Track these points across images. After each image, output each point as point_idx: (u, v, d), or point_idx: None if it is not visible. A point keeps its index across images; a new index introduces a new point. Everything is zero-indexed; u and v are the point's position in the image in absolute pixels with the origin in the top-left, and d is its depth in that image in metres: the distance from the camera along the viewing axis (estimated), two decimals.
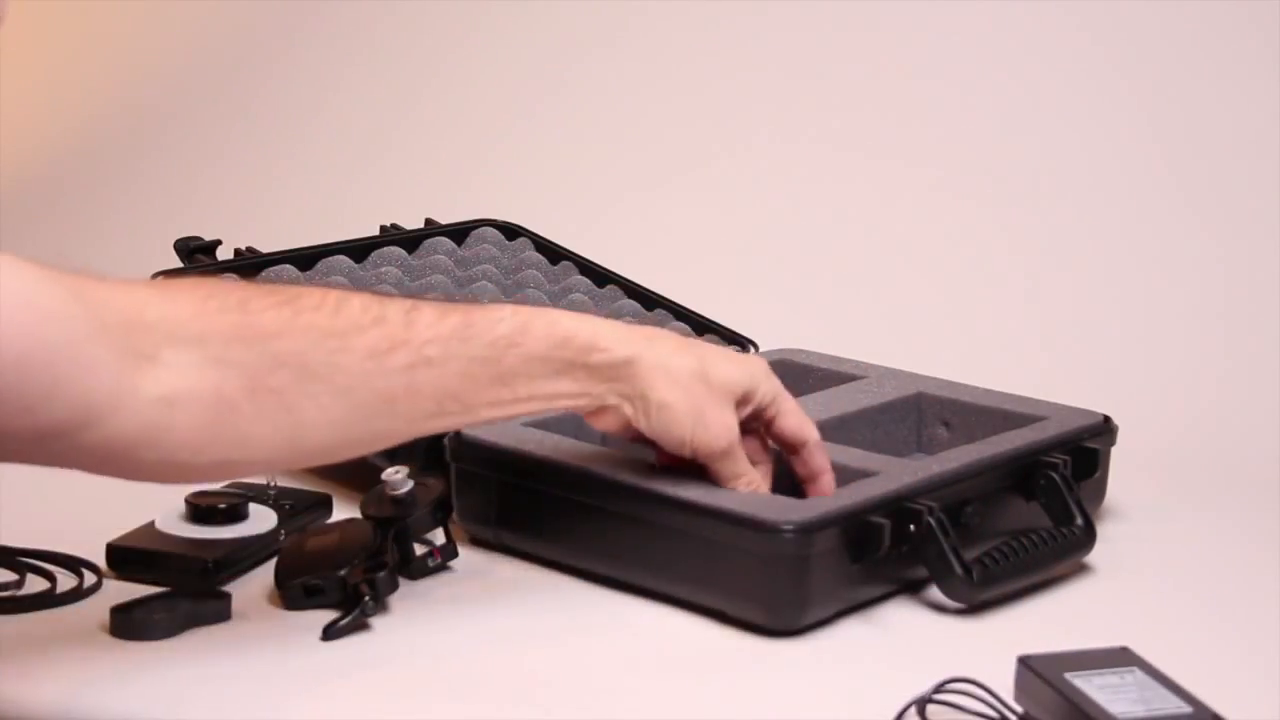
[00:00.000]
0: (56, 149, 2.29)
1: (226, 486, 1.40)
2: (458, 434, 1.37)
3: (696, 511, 1.24)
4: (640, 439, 1.27)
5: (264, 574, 1.29)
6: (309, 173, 2.18)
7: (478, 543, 1.37)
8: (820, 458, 1.29)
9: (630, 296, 1.70)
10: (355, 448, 1.17)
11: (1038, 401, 1.45)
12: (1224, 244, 1.85)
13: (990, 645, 1.19)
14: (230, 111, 2.27)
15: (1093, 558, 1.35)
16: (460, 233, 1.75)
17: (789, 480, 1.29)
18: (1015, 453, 1.36)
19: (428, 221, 1.76)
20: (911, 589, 1.30)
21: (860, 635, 1.24)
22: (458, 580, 1.32)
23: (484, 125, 2.17)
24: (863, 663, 1.20)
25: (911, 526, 1.26)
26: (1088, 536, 1.33)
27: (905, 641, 1.24)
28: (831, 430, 1.41)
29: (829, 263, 1.93)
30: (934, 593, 1.28)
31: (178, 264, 1.66)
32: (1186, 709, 1.04)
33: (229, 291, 1.11)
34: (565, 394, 1.22)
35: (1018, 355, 1.77)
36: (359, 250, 1.69)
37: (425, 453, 1.39)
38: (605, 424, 1.26)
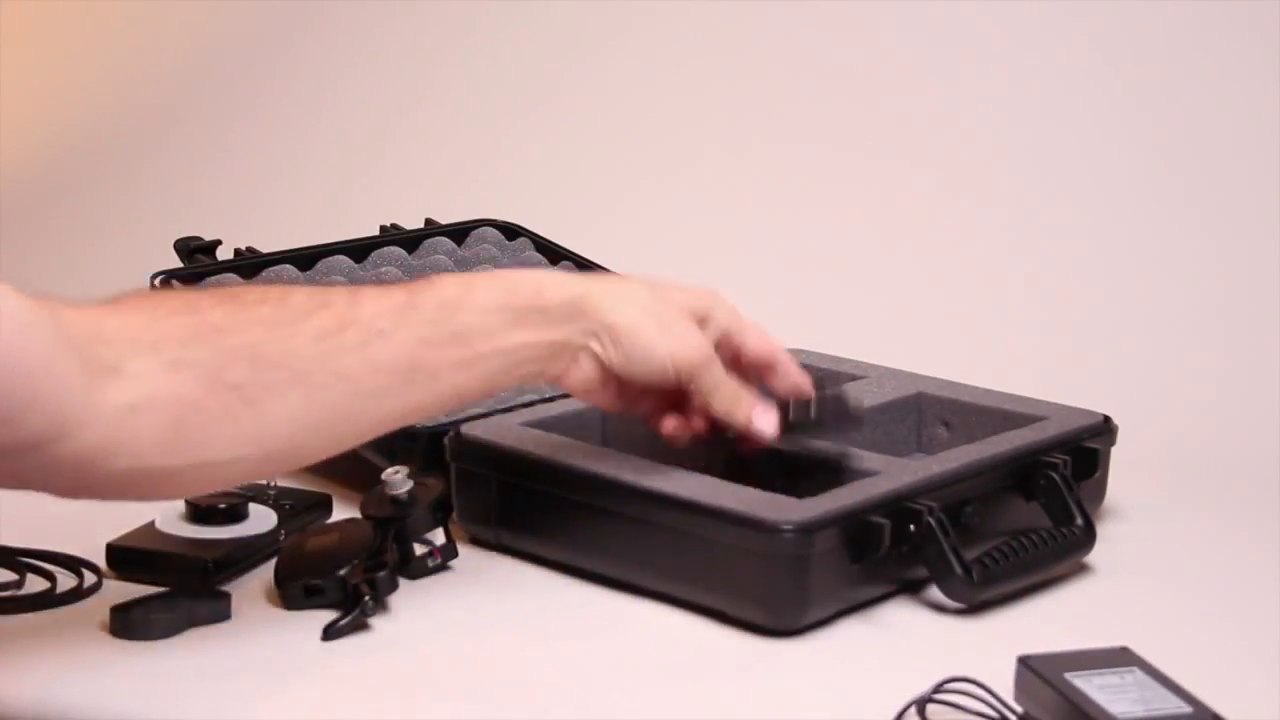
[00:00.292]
0: (56, 149, 2.29)
1: None
2: (458, 434, 1.37)
3: (696, 511, 1.24)
4: (621, 398, 1.27)
5: (264, 574, 1.29)
6: (309, 173, 2.18)
7: (478, 543, 1.37)
8: (796, 372, 1.31)
9: None
10: (327, 438, 1.16)
11: (1038, 401, 1.45)
12: (1224, 244, 1.85)
13: (990, 645, 1.19)
14: (230, 112, 2.27)
15: (1093, 558, 1.35)
16: (460, 233, 1.75)
17: (789, 480, 1.29)
18: (1015, 453, 1.36)
19: (428, 221, 1.76)
20: (911, 589, 1.30)
21: (860, 635, 1.24)
22: (458, 580, 1.32)
23: (484, 125, 2.17)
24: (863, 663, 1.20)
25: (911, 526, 1.26)
26: (1088, 536, 1.33)
27: (905, 641, 1.24)
28: None
29: (829, 263, 1.93)
30: (934, 593, 1.27)
31: (178, 264, 1.66)
32: (1186, 709, 1.04)
33: (176, 297, 1.14)
34: (528, 344, 1.21)
35: (1018, 355, 1.77)
36: (359, 250, 1.69)
37: (425, 453, 1.40)
38: (580, 377, 1.24)
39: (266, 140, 2.23)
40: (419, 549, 1.31)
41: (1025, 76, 1.99)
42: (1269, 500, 1.51)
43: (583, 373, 1.24)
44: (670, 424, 1.29)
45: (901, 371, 1.53)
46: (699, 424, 1.29)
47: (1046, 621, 1.27)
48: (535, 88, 2.17)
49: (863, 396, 1.46)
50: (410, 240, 1.72)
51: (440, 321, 1.18)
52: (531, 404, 1.47)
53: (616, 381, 1.26)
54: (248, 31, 2.31)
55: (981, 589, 1.26)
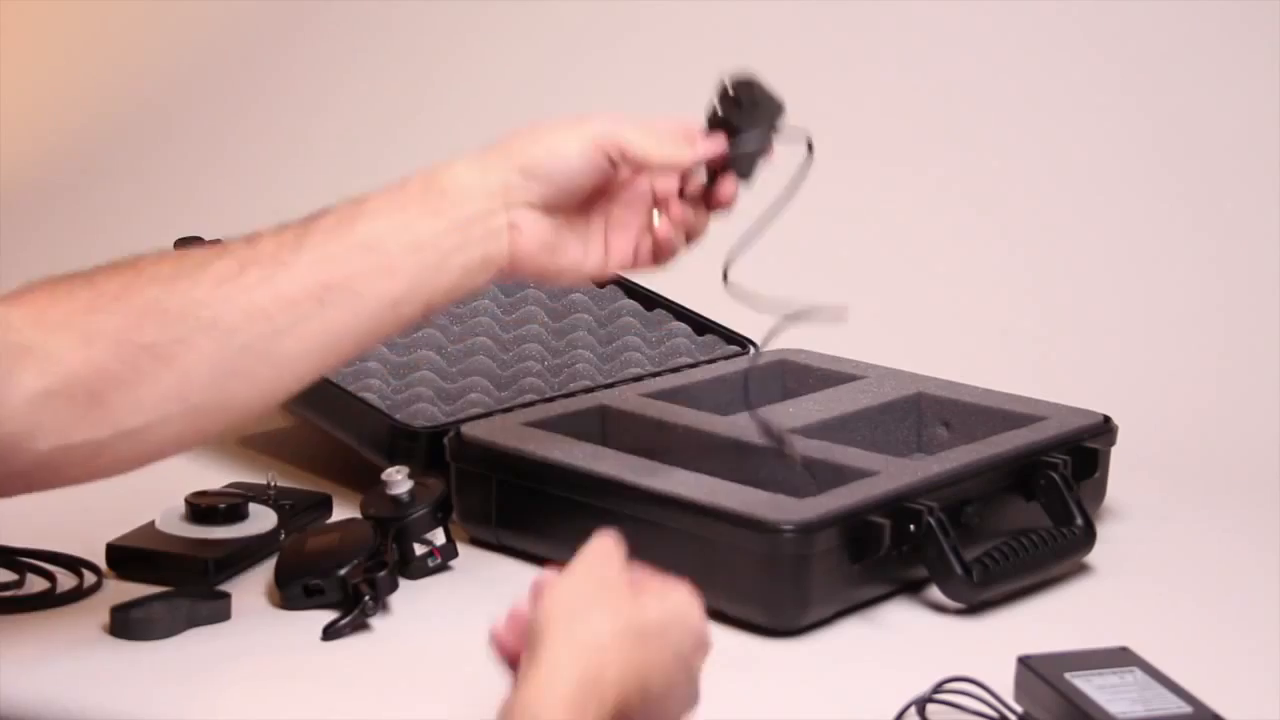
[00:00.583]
0: (56, 149, 2.29)
1: (226, 486, 1.40)
2: (458, 434, 1.37)
3: (696, 511, 1.24)
4: (585, 243, 1.20)
5: (264, 574, 1.29)
6: (309, 173, 2.18)
7: (478, 543, 1.37)
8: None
9: (630, 296, 1.70)
10: (254, 382, 1.13)
11: (1038, 401, 1.45)
12: (1224, 244, 1.86)
13: (990, 645, 1.19)
14: (230, 111, 2.27)
15: (1093, 558, 1.35)
16: None
17: (789, 480, 1.29)
18: (1015, 453, 1.36)
19: None
20: (911, 589, 1.30)
21: (860, 635, 1.24)
22: (458, 580, 1.32)
23: (484, 125, 2.16)
24: (863, 663, 1.20)
25: (911, 526, 1.26)
26: (1088, 536, 1.33)
27: (905, 641, 1.24)
28: (832, 430, 1.41)
29: (829, 263, 1.93)
30: (934, 593, 1.28)
31: None
32: (1186, 709, 1.04)
33: (75, 276, 1.13)
34: (444, 231, 1.15)
35: (1018, 355, 1.77)
36: None
37: (425, 453, 1.40)
38: (531, 238, 1.17)
39: (266, 140, 2.23)
40: (419, 549, 1.32)
41: (1026, 77, 1.99)
42: (1269, 500, 1.51)
43: (531, 232, 1.17)
44: (662, 232, 1.22)
45: (901, 371, 1.53)
46: (676, 209, 1.22)
47: (1046, 621, 1.27)
48: (535, 88, 2.17)
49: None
50: None
51: (340, 235, 1.14)
52: (531, 404, 1.47)
53: (569, 222, 1.19)
54: (248, 31, 2.31)
55: (981, 589, 1.26)
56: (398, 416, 1.45)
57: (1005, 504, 1.34)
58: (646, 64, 2.13)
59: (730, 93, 1.23)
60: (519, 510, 1.34)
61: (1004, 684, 1.10)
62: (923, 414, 1.49)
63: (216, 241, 1.19)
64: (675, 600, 0.98)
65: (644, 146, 1.19)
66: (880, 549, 1.24)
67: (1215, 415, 1.68)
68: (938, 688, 1.10)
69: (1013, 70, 1.99)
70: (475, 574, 1.33)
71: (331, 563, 1.25)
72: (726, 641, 1.22)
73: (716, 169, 1.23)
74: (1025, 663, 1.09)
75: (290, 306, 1.12)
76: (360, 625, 1.22)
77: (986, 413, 1.45)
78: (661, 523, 1.25)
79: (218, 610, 1.23)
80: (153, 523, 1.33)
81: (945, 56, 2.02)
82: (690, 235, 1.24)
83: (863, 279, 1.92)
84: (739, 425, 1.37)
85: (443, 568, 1.32)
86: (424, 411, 1.47)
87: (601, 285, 1.71)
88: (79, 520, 1.32)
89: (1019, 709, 1.09)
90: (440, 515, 1.32)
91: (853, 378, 1.52)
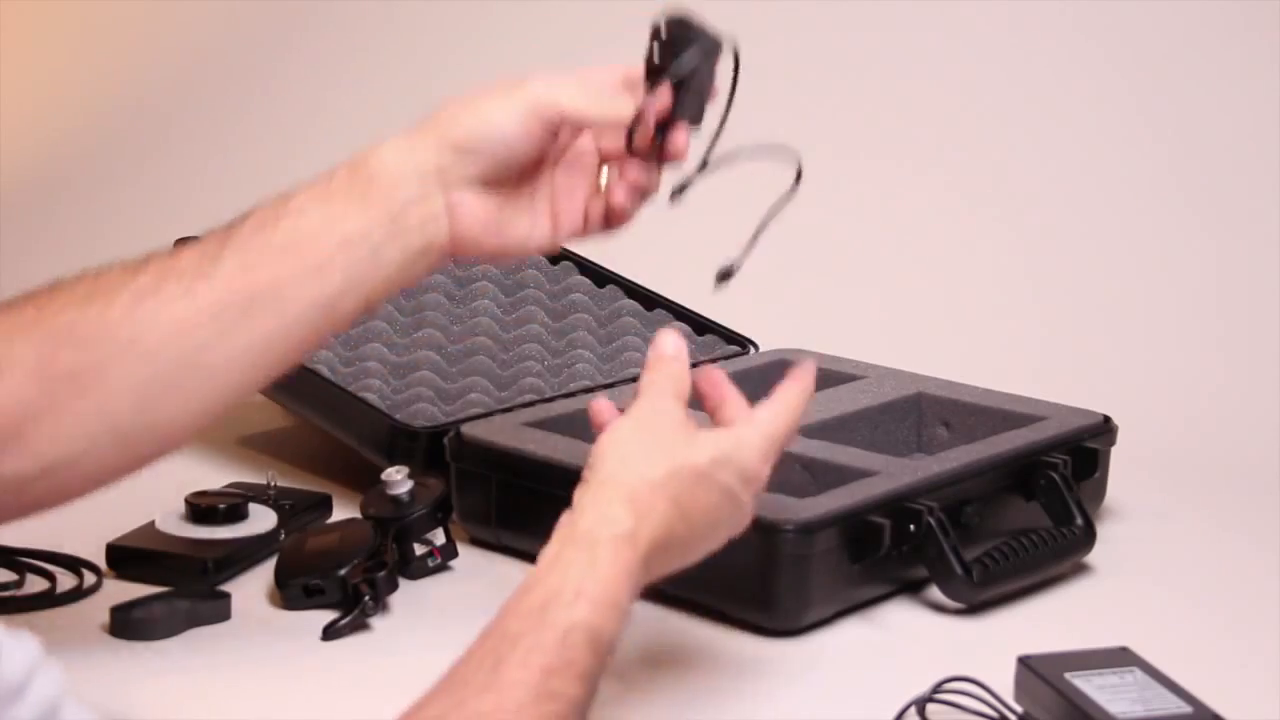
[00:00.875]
0: (56, 149, 2.29)
1: (226, 486, 1.40)
2: (458, 433, 1.37)
3: None
4: (528, 218, 1.14)
5: (264, 574, 1.29)
6: (309, 173, 2.17)
7: (478, 543, 1.37)
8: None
9: (630, 296, 1.70)
10: (185, 400, 1.07)
11: (1038, 401, 1.45)
12: (1223, 244, 1.86)
13: (990, 645, 1.19)
14: (230, 111, 2.27)
15: (1093, 558, 1.35)
16: None
17: (789, 480, 1.29)
18: (1015, 453, 1.36)
19: None
20: (911, 589, 1.30)
21: (860, 635, 1.24)
22: (458, 580, 1.32)
23: None
24: (863, 663, 1.20)
25: (911, 526, 1.26)
26: (1088, 536, 1.33)
27: (905, 641, 1.24)
28: (831, 430, 1.41)
29: (829, 263, 1.93)
30: (934, 593, 1.28)
31: None
32: (1186, 709, 1.04)
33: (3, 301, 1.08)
34: (374, 222, 1.09)
35: (1018, 355, 1.77)
36: None
37: (425, 453, 1.40)
38: (470, 218, 1.11)
39: (266, 140, 2.23)
40: (419, 549, 1.32)
41: (1026, 77, 1.99)
42: (1269, 500, 1.51)
43: (471, 212, 1.11)
44: (613, 194, 1.16)
45: (901, 371, 1.53)
46: (625, 168, 1.16)
47: (1046, 621, 1.27)
48: None
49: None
50: None
51: (262, 238, 1.08)
52: (531, 404, 1.47)
53: (512, 195, 1.13)
54: (247, 31, 2.31)
55: (981, 589, 1.26)
56: (398, 416, 1.45)
57: (1005, 504, 1.34)
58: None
59: (664, 35, 1.14)
60: (519, 510, 1.34)
61: (1004, 684, 1.10)
62: (923, 414, 1.49)
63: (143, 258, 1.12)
64: (730, 440, 1.06)
65: (582, 106, 1.12)
66: (880, 549, 1.24)
67: (1215, 415, 1.68)
68: (938, 688, 1.10)
69: (1013, 70, 1.99)
70: (475, 574, 1.33)
71: (331, 563, 1.25)
72: (727, 641, 1.22)
73: (663, 119, 1.15)
74: (1025, 663, 1.09)
75: (212, 319, 1.06)
76: (360, 625, 1.22)
77: (986, 413, 1.45)
78: None
79: (218, 610, 1.23)
80: (152, 523, 1.33)
81: (946, 56, 2.02)
82: (643, 194, 1.18)
83: (863, 279, 1.92)
84: None
85: (443, 568, 1.32)
86: (424, 411, 1.47)
87: (601, 286, 1.71)
88: (79, 520, 1.32)
89: (1019, 709, 1.09)
90: (440, 515, 1.32)
91: (853, 378, 1.52)
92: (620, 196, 1.16)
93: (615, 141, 1.15)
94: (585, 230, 1.17)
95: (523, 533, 1.35)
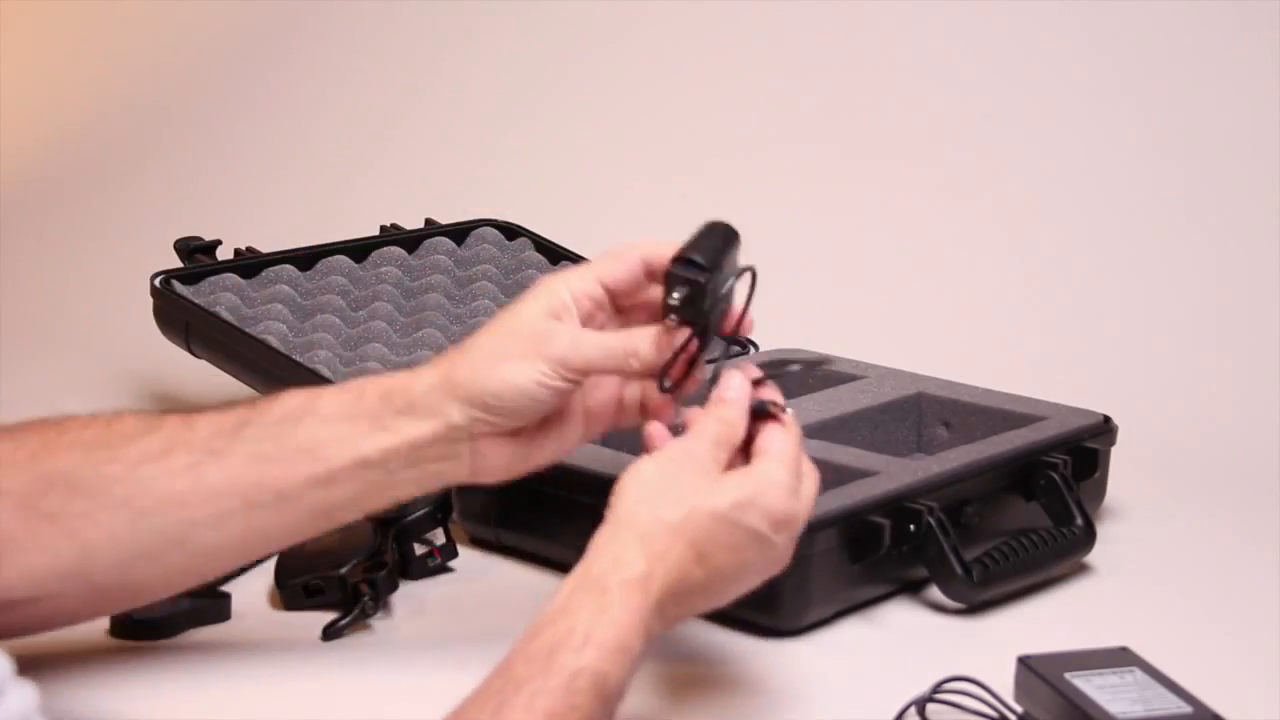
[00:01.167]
0: (56, 149, 2.29)
1: None
2: None
3: None
4: (559, 439, 1.13)
5: (264, 574, 1.29)
6: (309, 173, 2.18)
7: (478, 543, 1.37)
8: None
9: None
10: (165, 569, 1.07)
11: (1038, 401, 1.45)
12: (1223, 244, 1.86)
13: (990, 645, 1.19)
14: (230, 111, 2.27)
15: (1093, 558, 1.35)
16: (460, 233, 1.75)
17: None
18: (1015, 453, 1.36)
19: (428, 221, 1.76)
20: (911, 589, 1.30)
21: (860, 635, 1.24)
22: (458, 580, 1.32)
23: (484, 125, 2.17)
24: (863, 663, 1.20)
25: (911, 526, 1.26)
26: (1088, 536, 1.33)
27: (905, 641, 1.24)
28: (831, 430, 1.41)
29: (829, 263, 1.93)
30: (934, 593, 1.28)
31: (178, 264, 1.66)
32: (1186, 709, 1.04)
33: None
34: (393, 449, 1.08)
35: (1018, 355, 1.77)
36: (359, 250, 1.69)
37: None
38: (493, 463, 1.11)
39: (266, 140, 2.23)
40: (419, 549, 1.32)
41: (1026, 77, 1.99)
42: (1269, 500, 1.51)
43: (495, 457, 1.11)
44: (652, 432, 1.11)
45: (901, 371, 1.53)
46: (659, 401, 1.12)
47: (1046, 621, 1.27)
48: (535, 88, 2.17)
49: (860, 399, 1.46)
50: (410, 240, 1.72)
51: (282, 435, 1.07)
52: None
53: (537, 431, 1.11)
54: (247, 31, 2.31)
55: (981, 589, 1.26)
56: None
57: (1005, 504, 1.34)
58: (647, 64, 2.13)
59: (683, 284, 1.09)
60: (519, 510, 1.34)
61: (1004, 684, 1.10)
62: (923, 414, 1.49)
63: (162, 413, 1.10)
64: (753, 482, 1.03)
65: (608, 363, 1.09)
66: (880, 549, 1.24)
67: (1215, 415, 1.68)
68: (938, 688, 1.10)
69: (1013, 70, 1.99)
70: (475, 574, 1.33)
71: (331, 563, 1.25)
72: (726, 642, 1.22)
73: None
74: (1025, 663, 1.09)
75: (213, 500, 1.06)
76: (360, 625, 1.22)
77: (986, 413, 1.45)
78: None
79: (218, 610, 1.23)
80: None
81: (946, 56, 2.02)
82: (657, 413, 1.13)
83: (863, 279, 1.92)
84: None
85: (443, 568, 1.32)
86: None
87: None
88: None
89: (1019, 709, 1.09)
90: (440, 515, 1.32)
91: (853, 378, 1.52)
92: (657, 443, 1.10)
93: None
94: (621, 422, 1.16)
95: (523, 533, 1.35)
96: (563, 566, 1.31)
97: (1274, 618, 1.29)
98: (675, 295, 1.08)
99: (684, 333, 1.09)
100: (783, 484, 1.04)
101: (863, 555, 1.24)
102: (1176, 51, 1.94)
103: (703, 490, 1.02)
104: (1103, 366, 1.76)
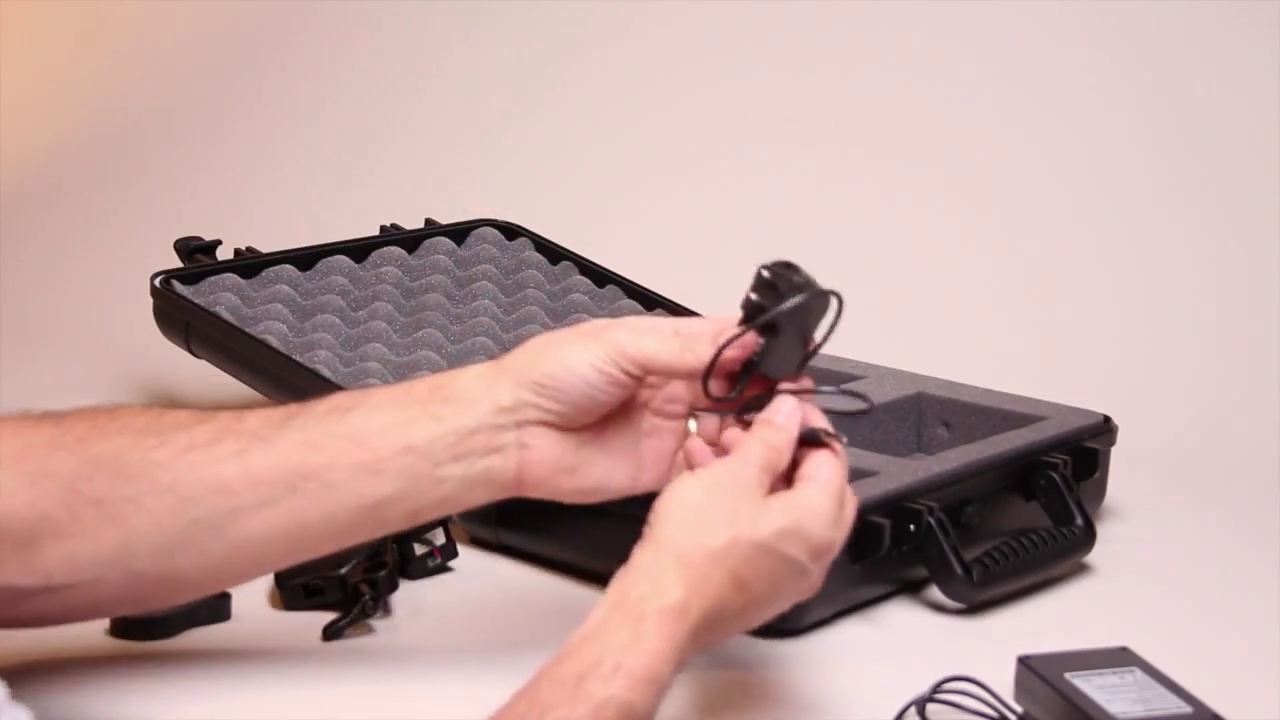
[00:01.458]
0: (56, 149, 2.29)
1: None
2: None
3: None
4: (613, 461, 1.11)
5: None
6: (309, 173, 2.18)
7: (478, 543, 1.37)
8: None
9: (630, 296, 1.70)
10: (204, 558, 1.06)
11: (1038, 401, 1.45)
12: (1224, 244, 1.86)
13: (990, 645, 1.19)
14: (229, 112, 2.27)
15: (1093, 558, 1.35)
16: (460, 233, 1.75)
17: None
18: (1015, 453, 1.36)
19: (428, 221, 1.76)
20: (911, 589, 1.30)
21: (860, 635, 1.24)
22: (458, 580, 1.32)
23: (484, 125, 2.17)
24: (863, 663, 1.20)
25: (911, 526, 1.26)
26: (1088, 536, 1.33)
27: (905, 641, 1.24)
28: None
29: (829, 263, 1.92)
30: (934, 593, 1.28)
31: (178, 264, 1.66)
32: (1186, 709, 1.04)
33: (47, 413, 1.06)
34: (440, 437, 1.06)
35: (1018, 355, 1.77)
36: (359, 250, 1.69)
37: None
38: (540, 456, 1.08)
39: (266, 140, 2.23)
40: (419, 549, 1.31)
41: (1026, 77, 1.99)
42: (1269, 500, 1.51)
43: (543, 453, 1.08)
44: (691, 455, 1.08)
45: (901, 371, 1.53)
46: (711, 427, 1.09)
47: (1046, 621, 1.27)
48: (535, 88, 2.17)
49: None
50: (410, 240, 1.72)
51: (330, 423, 1.06)
52: None
53: (592, 438, 1.10)
54: (247, 31, 2.31)
55: (981, 589, 1.26)
56: None
57: (1005, 504, 1.34)
58: (646, 64, 2.13)
59: (767, 279, 1.06)
60: (519, 510, 1.34)
61: (1004, 684, 1.10)
62: (923, 414, 1.49)
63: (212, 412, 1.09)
64: (802, 510, 1.01)
65: (664, 355, 1.07)
66: (880, 549, 1.24)
67: (1215, 415, 1.68)
68: (938, 688, 1.10)
69: (1013, 70, 1.99)
70: (475, 574, 1.33)
71: (331, 563, 1.25)
72: (727, 641, 1.22)
73: (743, 365, 1.07)
74: (1025, 663, 1.09)
75: (257, 486, 1.05)
76: (360, 625, 1.22)
77: (986, 413, 1.45)
78: None
79: (218, 610, 1.23)
80: None
81: (946, 56, 2.02)
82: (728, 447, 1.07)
83: (863, 279, 1.91)
84: None
85: (443, 568, 1.32)
86: None
87: (601, 286, 1.71)
88: None
89: (1019, 709, 1.09)
90: None
91: (852, 378, 1.52)
92: (699, 460, 1.07)
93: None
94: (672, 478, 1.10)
95: (523, 533, 1.35)
96: (563, 566, 1.32)
97: (1274, 618, 1.29)
98: (752, 291, 1.05)
99: (746, 337, 1.05)
100: (826, 514, 1.02)
101: (863, 555, 1.24)
102: (1176, 51, 1.94)
103: (746, 516, 1.00)
104: (1103, 366, 1.76)
